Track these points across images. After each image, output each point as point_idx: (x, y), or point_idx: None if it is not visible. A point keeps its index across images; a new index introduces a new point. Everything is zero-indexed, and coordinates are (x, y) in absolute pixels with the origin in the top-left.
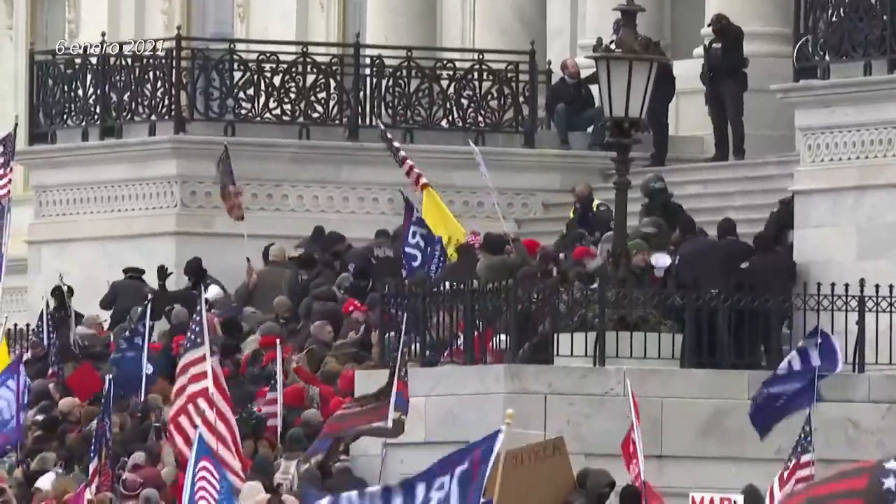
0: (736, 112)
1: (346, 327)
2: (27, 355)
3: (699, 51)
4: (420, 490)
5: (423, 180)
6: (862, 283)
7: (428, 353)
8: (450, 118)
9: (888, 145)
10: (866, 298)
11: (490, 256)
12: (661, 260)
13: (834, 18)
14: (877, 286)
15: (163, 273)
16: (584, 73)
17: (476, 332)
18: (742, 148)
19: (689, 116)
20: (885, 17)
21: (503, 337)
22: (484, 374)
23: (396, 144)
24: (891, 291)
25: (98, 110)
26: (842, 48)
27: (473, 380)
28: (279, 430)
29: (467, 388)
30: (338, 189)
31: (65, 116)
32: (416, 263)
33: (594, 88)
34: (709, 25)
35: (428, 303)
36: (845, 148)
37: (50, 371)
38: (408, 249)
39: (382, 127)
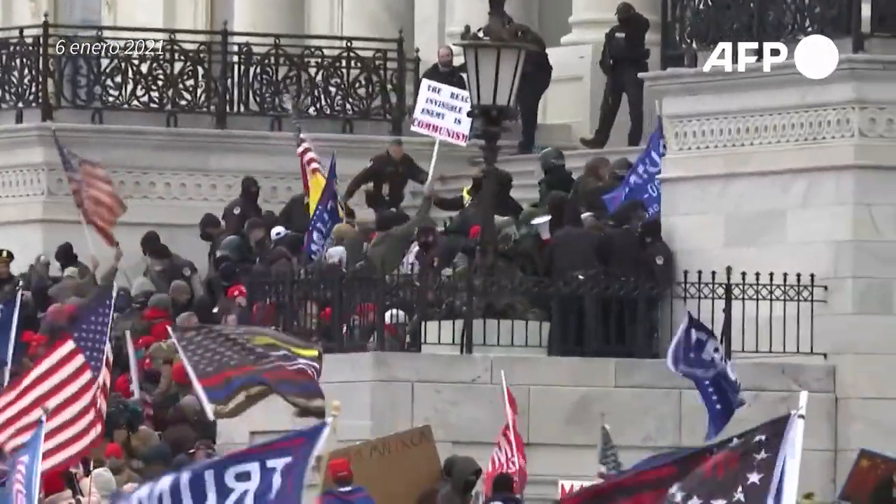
0: (637, 102)
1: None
2: None
3: (568, 38)
4: (229, 479)
5: (315, 165)
6: (729, 270)
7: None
8: (317, 106)
9: (755, 133)
10: (733, 286)
11: (380, 232)
12: (541, 219)
13: (701, 7)
14: (743, 274)
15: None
16: (458, 62)
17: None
18: (640, 137)
19: (557, 104)
20: (751, 6)
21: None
22: (351, 363)
23: (301, 134)
24: (757, 279)
25: None
26: (709, 36)
27: (341, 368)
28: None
29: (335, 376)
30: (206, 177)
31: None
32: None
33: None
34: (616, 14)
35: (295, 290)
36: (712, 136)
37: None
38: (319, 224)
39: (291, 109)
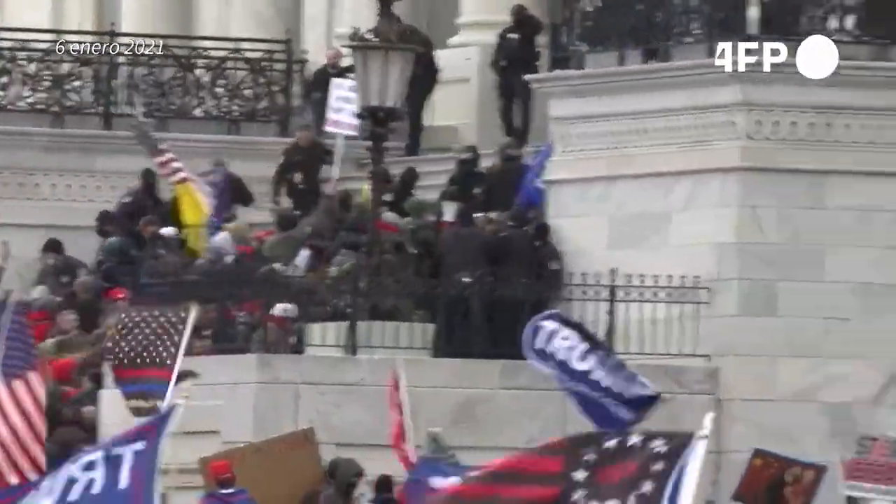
0: (526, 103)
1: (107, 315)
2: None
3: (455, 40)
4: (75, 469)
5: (182, 175)
6: (612, 272)
7: None
8: (204, 107)
9: (642, 135)
10: (617, 288)
11: (280, 232)
12: (449, 209)
13: (590, 9)
14: (628, 276)
15: None
16: (347, 63)
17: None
18: (527, 139)
19: (444, 106)
20: (639, 8)
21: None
22: (235, 364)
23: (156, 138)
24: (641, 281)
25: None
26: (597, 38)
27: (225, 369)
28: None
29: (218, 377)
30: (91, 178)
31: None
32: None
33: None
34: (510, 15)
35: (182, 290)
36: (596, 138)
37: None
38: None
39: (141, 119)
